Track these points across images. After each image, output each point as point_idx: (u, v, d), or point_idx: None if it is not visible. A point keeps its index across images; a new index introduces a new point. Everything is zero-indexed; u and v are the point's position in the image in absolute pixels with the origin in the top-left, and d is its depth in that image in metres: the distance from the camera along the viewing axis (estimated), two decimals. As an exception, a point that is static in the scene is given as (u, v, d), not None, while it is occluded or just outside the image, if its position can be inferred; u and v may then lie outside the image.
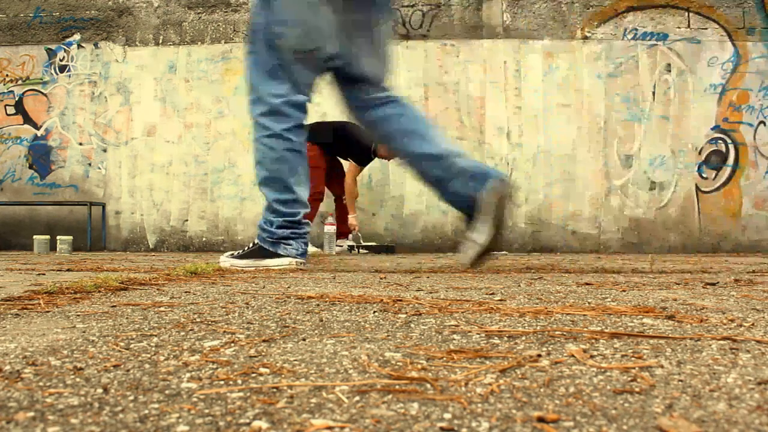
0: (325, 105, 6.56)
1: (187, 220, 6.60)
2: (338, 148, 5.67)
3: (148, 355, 0.83)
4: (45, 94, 6.75)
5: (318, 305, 1.40)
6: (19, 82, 6.80)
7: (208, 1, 6.69)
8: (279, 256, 2.75)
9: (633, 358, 0.80)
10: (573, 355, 0.82)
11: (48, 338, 0.96)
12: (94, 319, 1.17)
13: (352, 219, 5.72)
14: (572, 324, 1.10)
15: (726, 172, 6.37)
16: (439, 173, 2.55)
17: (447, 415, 0.56)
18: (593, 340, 0.93)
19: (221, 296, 1.58)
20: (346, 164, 5.74)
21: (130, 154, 6.67)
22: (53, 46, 6.76)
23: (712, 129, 6.38)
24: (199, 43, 6.65)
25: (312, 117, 6.44)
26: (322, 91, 6.53)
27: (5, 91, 6.81)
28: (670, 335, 0.97)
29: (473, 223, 2.44)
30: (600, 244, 6.37)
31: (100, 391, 0.65)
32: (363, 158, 5.59)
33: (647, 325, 1.09)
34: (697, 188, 6.36)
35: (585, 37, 6.44)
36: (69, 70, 6.76)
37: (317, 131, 5.68)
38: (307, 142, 5.58)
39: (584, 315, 1.21)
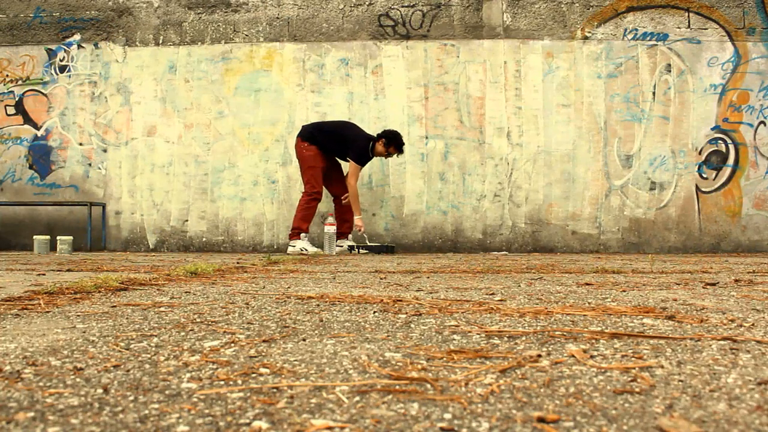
0: (325, 105, 6.56)
1: (187, 220, 6.60)
2: (336, 149, 5.66)
3: (148, 356, 0.83)
4: (45, 95, 6.75)
5: (318, 305, 1.40)
6: (20, 82, 6.80)
7: (208, 2, 6.69)
8: None
9: (633, 359, 0.80)
10: (573, 356, 0.82)
11: (48, 338, 0.96)
12: (94, 320, 1.17)
13: (358, 220, 5.67)
14: (572, 324, 1.10)
15: (726, 172, 6.37)
16: None
17: (447, 416, 0.56)
18: (593, 341, 0.93)
19: (221, 296, 1.58)
20: (346, 166, 5.73)
21: (130, 154, 6.67)
22: (53, 47, 6.76)
23: (712, 129, 6.37)
24: (199, 43, 6.65)
25: (311, 117, 6.47)
26: (322, 91, 6.55)
27: (5, 91, 6.81)
28: (670, 335, 0.97)
29: None
30: (600, 244, 6.37)
31: (100, 391, 0.65)
32: (361, 157, 5.57)
33: (647, 325, 1.09)
34: (697, 188, 6.36)
35: (585, 37, 6.44)
36: (69, 71, 6.76)
37: (315, 132, 5.68)
38: (305, 143, 5.61)
39: (584, 315, 1.21)
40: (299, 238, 5.52)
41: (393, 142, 5.55)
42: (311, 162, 5.58)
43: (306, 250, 5.44)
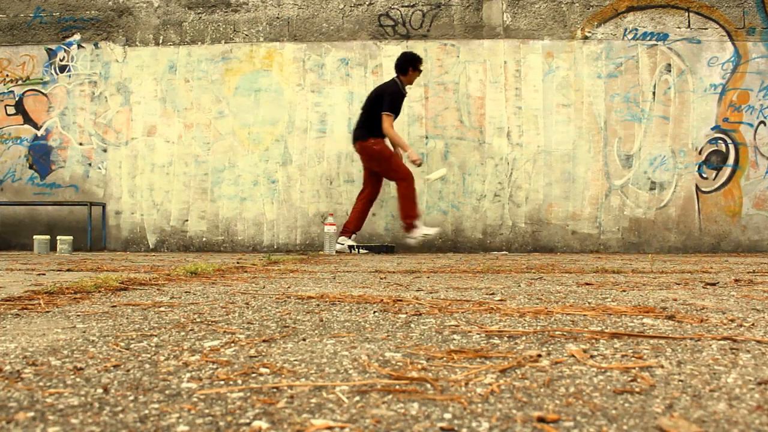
0: (325, 105, 6.56)
1: (187, 220, 6.60)
2: (377, 111, 5.55)
3: (148, 355, 0.83)
4: (45, 94, 6.75)
5: (318, 305, 1.40)
6: (20, 82, 6.80)
7: (208, 1, 6.69)
8: None
9: (633, 358, 0.80)
10: (573, 355, 0.82)
11: (48, 338, 0.96)
12: (94, 319, 1.17)
13: (411, 153, 5.49)
14: (572, 324, 1.10)
15: (726, 172, 6.37)
16: None
17: (447, 415, 0.56)
18: (593, 340, 0.93)
19: (221, 296, 1.58)
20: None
21: (130, 154, 6.67)
22: (53, 46, 6.76)
23: (712, 129, 6.37)
24: (199, 43, 6.65)
25: (311, 117, 6.46)
26: (322, 91, 6.55)
27: (5, 91, 6.81)
28: (670, 335, 0.97)
29: None
30: (600, 244, 6.36)
31: (100, 391, 0.65)
32: (393, 102, 5.49)
33: (647, 325, 1.09)
34: (697, 188, 6.36)
35: (585, 37, 6.44)
36: (69, 70, 6.76)
37: (366, 123, 5.58)
38: (369, 140, 5.51)
39: (584, 315, 1.22)
40: (416, 227, 5.49)
41: (411, 62, 5.53)
42: (386, 153, 5.53)
43: (428, 234, 5.50)
